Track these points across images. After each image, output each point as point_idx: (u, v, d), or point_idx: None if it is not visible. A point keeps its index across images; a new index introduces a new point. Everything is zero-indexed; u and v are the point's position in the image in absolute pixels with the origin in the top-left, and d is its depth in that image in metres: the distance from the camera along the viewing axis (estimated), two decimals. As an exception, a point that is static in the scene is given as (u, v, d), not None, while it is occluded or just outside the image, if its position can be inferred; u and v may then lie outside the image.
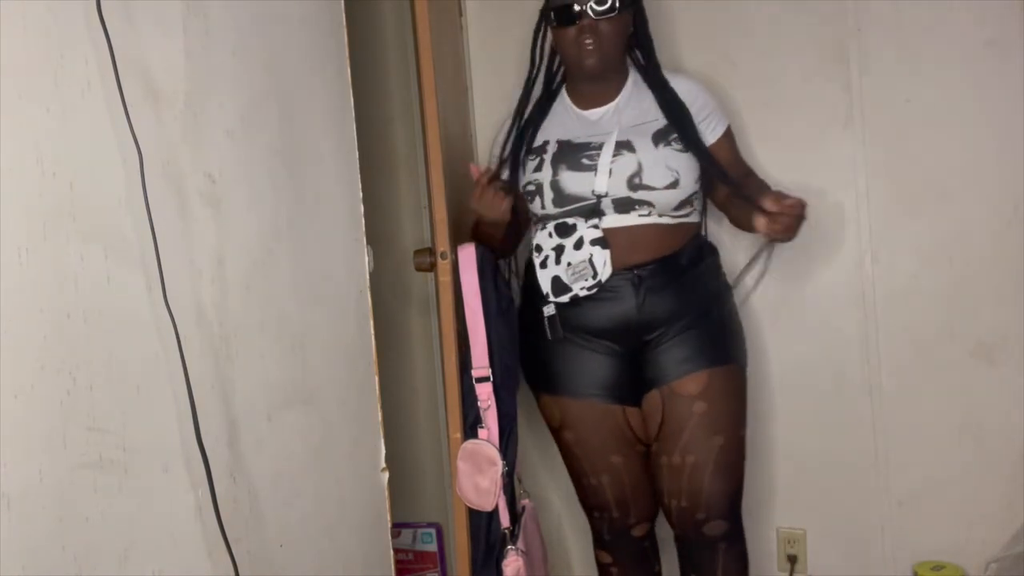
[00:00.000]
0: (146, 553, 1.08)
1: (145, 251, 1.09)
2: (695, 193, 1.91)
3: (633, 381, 1.92)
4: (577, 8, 1.84)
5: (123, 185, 1.07)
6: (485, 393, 1.89)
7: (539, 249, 1.92)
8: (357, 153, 1.72)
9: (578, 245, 1.87)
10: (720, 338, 1.92)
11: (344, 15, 1.71)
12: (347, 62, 1.71)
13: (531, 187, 1.92)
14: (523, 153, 1.96)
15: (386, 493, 1.72)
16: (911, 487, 2.15)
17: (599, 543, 2.07)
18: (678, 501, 1.91)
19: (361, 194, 1.72)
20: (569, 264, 1.87)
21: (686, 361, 1.87)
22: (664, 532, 2.04)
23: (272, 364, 1.39)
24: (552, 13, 1.88)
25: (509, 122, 2.03)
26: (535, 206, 1.93)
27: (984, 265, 2.04)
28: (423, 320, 2.47)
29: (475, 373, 1.90)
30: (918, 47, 2.03)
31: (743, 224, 1.93)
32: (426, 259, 1.95)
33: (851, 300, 2.15)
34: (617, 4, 1.83)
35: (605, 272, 1.85)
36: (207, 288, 1.23)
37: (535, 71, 2.00)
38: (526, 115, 2.00)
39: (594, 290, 1.86)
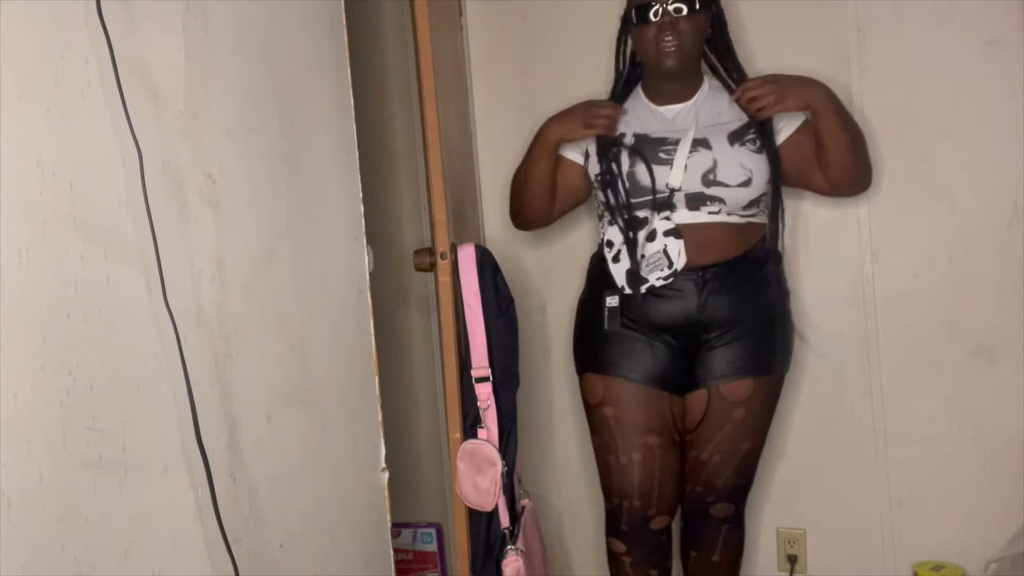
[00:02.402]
0: (146, 553, 1.08)
1: (145, 251, 1.09)
2: (765, 194, 1.94)
3: (683, 374, 1.95)
4: (658, 6, 1.86)
5: (123, 185, 1.07)
6: (485, 393, 1.90)
7: (610, 244, 1.96)
8: (357, 153, 1.72)
9: (651, 237, 1.89)
10: (771, 347, 1.97)
11: (344, 15, 1.71)
12: (347, 62, 1.71)
13: (607, 177, 1.94)
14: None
15: (386, 493, 1.71)
16: (911, 487, 2.15)
17: (614, 531, 2.03)
18: (693, 486, 2.00)
19: (361, 194, 1.72)
20: (643, 256, 1.90)
21: (736, 367, 1.92)
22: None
23: (272, 364, 1.39)
24: (633, 12, 1.92)
25: None
26: (609, 196, 1.95)
27: (984, 265, 2.04)
28: (423, 320, 2.47)
29: (475, 373, 1.90)
30: (918, 47, 2.03)
31: (837, 155, 1.91)
32: (426, 259, 1.95)
33: (851, 300, 2.15)
34: (697, 4, 1.87)
35: (680, 261, 1.87)
36: (207, 288, 1.23)
37: (620, 77, 2.05)
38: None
39: (670, 280, 1.88)
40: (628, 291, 1.92)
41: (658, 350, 1.94)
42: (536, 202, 2.06)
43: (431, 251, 1.94)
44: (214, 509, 1.15)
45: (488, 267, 1.95)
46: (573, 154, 2.05)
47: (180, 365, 1.12)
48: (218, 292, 1.25)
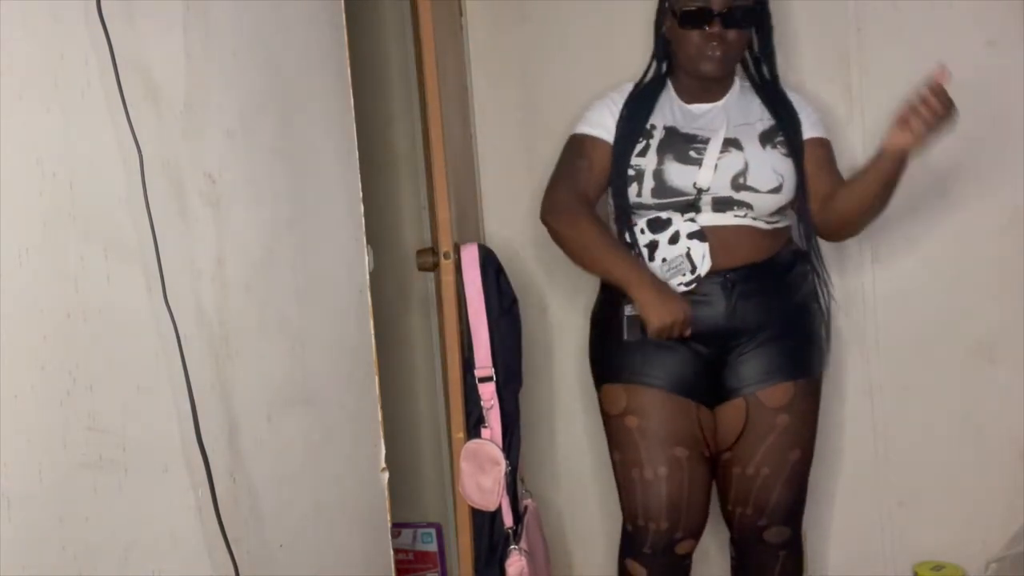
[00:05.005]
0: (146, 553, 1.08)
1: (145, 251, 1.09)
2: (792, 201, 1.87)
3: (710, 384, 1.86)
4: (710, 13, 1.78)
5: (123, 185, 1.07)
6: (488, 393, 1.89)
7: (629, 246, 1.86)
8: (357, 153, 1.72)
9: (674, 240, 1.80)
10: (805, 348, 1.88)
11: (344, 15, 1.71)
12: (347, 62, 1.71)
13: (631, 172, 1.84)
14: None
15: (386, 493, 1.72)
16: (911, 487, 2.15)
17: (634, 553, 1.89)
18: (743, 508, 1.88)
19: (361, 194, 1.72)
20: (664, 260, 1.80)
21: (772, 371, 1.83)
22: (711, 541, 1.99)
23: (272, 364, 1.40)
24: (681, 13, 1.82)
25: (616, 96, 1.96)
26: (630, 192, 1.84)
27: (984, 265, 2.04)
28: (423, 320, 2.47)
29: (478, 373, 1.89)
30: (918, 47, 2.03)
31: (863, 200, 1.80)
32: (429, 259, 1.95)
33: (851, 300, 2.15)
34: (750, 17, 1.82)
35: (704, 266, 1.78)
36: (207, 288, 1.23)
37: (657, 63, 1.95)
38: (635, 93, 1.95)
39: (692, 286, 1.79)
40: None
41: (684, 356, 1.83)
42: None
43: (434, 251, 1.93)
44: (214, 509, 1.15)
45: (491, 267, 1.94)
46: (602, 132, 1.92)
47: (180, 365, 1.12)
48: (218, 292, 1.25)
